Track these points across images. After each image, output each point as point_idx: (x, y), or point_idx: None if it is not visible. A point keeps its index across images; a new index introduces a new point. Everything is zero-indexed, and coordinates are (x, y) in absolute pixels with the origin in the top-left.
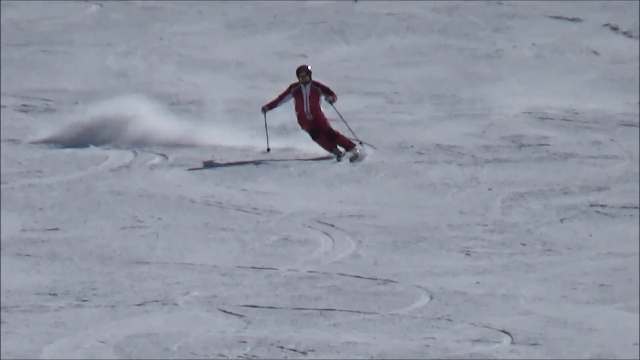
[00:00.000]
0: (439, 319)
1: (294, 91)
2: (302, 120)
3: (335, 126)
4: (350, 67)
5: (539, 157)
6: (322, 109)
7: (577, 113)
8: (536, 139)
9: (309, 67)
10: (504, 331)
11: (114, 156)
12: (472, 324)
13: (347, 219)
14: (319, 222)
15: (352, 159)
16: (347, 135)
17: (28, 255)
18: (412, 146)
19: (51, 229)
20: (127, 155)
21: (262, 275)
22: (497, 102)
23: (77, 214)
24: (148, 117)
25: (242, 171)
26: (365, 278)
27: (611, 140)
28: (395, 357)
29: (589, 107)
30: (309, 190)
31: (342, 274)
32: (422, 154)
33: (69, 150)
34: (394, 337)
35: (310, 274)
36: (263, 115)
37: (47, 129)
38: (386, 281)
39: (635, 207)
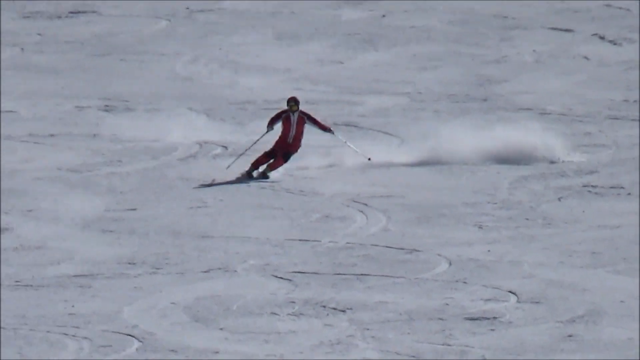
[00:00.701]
0: (456, 281)
1: (284, 117)
2: (281, 142)
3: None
4: (380, 71)
5: None
6: (303, 136)
7: (570, 109)
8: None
9: (297, 98)
10: (511, 292)
11: (182, 148)
12: (484, 285)
13: (378, 199)
14: (354, 201)
15: (258, 177)
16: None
17: (111, 231)
18: (432, 137)
19: (130, 209)
20: (194, 147)
21: (308, 246)
22: (503, 100)
23: (152, 196)
24: (210, 114)
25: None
26: (394, 248)
27: (600, 131)
28: (420, 314)
29: (581, 104)
30: (346, 175)
31: (375, 245)
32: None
33: (144, 143)
34: (419, 297)
35: (348, 244)
36: (266, 130)
37: (125, 125)
38: (412, 250)
39: (621, 187)
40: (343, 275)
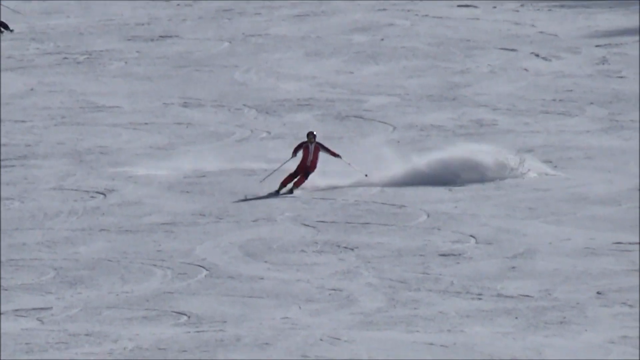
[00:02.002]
0: (432, 228)
1: (304, 147)
2: (302, 165)
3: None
4: (379, 78)
5: (492, 132)
6: (318, 160)
7: (515, 105)
8: (490, 121)
9: (315, 132)
10: (471, 236)
11: (239, 132)
12: (453, 231)
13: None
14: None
15: (285, 192)
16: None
17: (187, 192)
18: (416, 126)
19: (201, 176)
20: (246, 132)
21: (327, 203)
22: (467, 100)
23: (216, 166)
24: (258, 109)
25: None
26: (388, 204)
27: (535, 122)
28: (406, 252)
29: (522, 102)
30: (354, 153)
31: (375, 202)
32: (422, 130)
33: (211, 129)
34: (406, 239)
35: (356, 202)
36: (290, 157)
37: (198, 117)
38: (401, 206)
39: (550, 162)
40: (352, 224)
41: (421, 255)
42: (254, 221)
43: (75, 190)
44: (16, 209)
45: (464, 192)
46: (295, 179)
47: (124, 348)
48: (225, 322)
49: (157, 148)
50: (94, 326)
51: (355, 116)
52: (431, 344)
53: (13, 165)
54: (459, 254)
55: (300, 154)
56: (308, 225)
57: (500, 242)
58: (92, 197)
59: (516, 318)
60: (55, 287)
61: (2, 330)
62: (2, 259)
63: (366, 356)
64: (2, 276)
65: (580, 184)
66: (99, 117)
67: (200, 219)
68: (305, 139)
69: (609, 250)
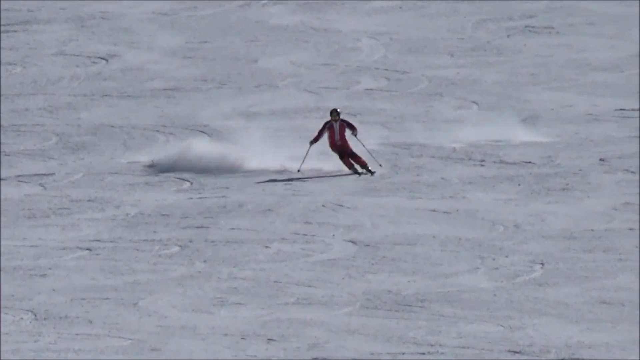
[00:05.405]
0: (434, 94)
1: (328, 127)
2: (333, 146)
3: (355, 150)
4: None
5: None
6: (347, 138)
7: None
8: None
9: (339, 110)
10: (473, 102)
11: None
12: (455, 97)
13: (380, 35)
14: (364, 37)
15: (364, 173)
16: (365, 157)
17: (190, 57)
18: None
19: (203, 42)
20: None
21: (329, 69)
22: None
23: (219, 32)
24: None
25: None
26: (391, 70)
27: None
28: (409, 118)
29: None
30: (360, 15)
31: (377, 68)
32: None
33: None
34: (408, 105)
35: (358, 67)
36: (308, 146)
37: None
38: (403, 72)
39: (552, 27)
40: (354, 88)
41: (424, 122)
42: (256, 87)
43: (77, 55)
44: (18, 74)
45: (465, 57)
46: (348, 163)
47: (127, 214)
48: (227, 188)
49: (159, 13)
50: (97, 192)
51: None
52: (434, 210)
53: (15, 31)
54: (461, 121)
55: (325, 136)
56: (311, 92)
57: (502, 108)
58: (94, 62)
59: (519, 184)
60: (58, 153)
61: (4, 196)
62: (4, 124)
63: (368, 222)
64: (4, 142)
65: (583, 50)
66: None
67: (202, 84)
68: (329, 118)
69: (611, 116)
